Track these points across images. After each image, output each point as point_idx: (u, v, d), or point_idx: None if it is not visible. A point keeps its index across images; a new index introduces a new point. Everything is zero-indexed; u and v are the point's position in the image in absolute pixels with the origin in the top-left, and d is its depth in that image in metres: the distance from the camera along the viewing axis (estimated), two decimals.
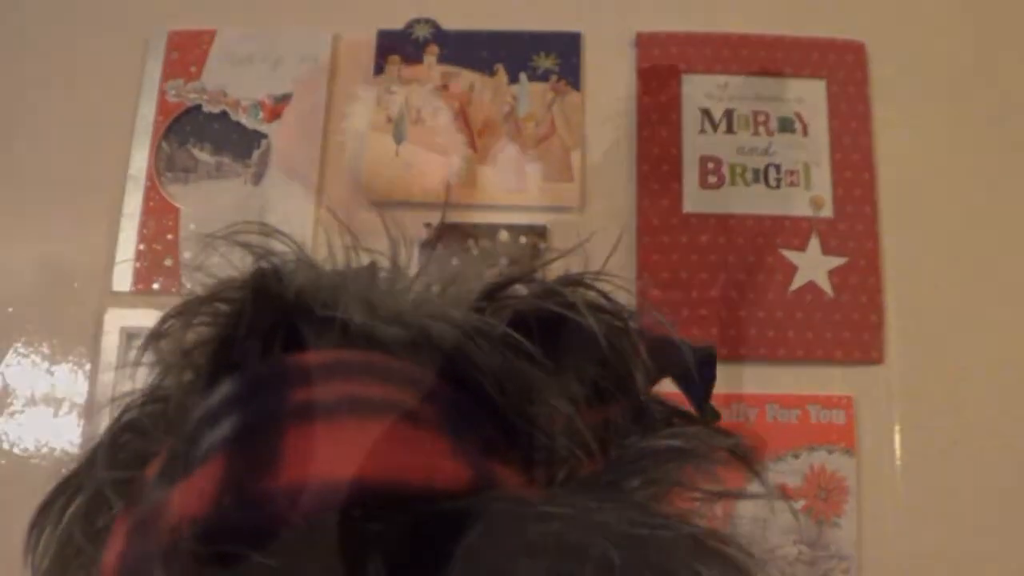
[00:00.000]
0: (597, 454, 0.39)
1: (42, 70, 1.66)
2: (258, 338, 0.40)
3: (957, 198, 1.56)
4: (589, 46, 1.63)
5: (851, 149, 1.57)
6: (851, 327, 1.51)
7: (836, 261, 1.53)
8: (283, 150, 1.59)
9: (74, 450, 1.47)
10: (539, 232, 1.53)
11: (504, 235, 1.53)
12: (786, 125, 1.59)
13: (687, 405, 0.45)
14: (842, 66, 1.60)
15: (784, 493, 1.44)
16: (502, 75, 1.61)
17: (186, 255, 1.53)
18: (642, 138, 1.58)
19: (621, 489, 0.39)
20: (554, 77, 1.61)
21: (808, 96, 1.60)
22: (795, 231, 1.54)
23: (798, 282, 1.52)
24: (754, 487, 0.44)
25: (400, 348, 0.40)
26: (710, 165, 1.57)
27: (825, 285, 1.52)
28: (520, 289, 0.42)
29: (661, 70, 1.60)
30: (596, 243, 0.49)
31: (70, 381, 1.53)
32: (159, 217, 1.57)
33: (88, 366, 1.53)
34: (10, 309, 1.56)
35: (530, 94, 1.60)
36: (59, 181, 1.60)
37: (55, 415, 1.52)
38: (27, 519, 0.42)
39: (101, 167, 1.60)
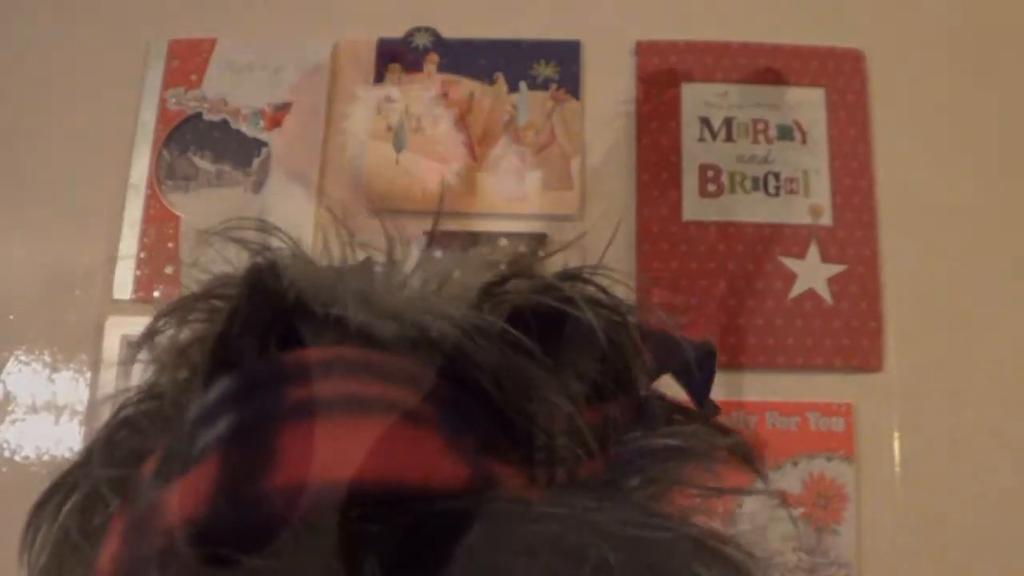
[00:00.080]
0: (596, 452, 0.39)
1: (44, 78, 1.67)
2: (254, 335, 0.39)
3: (956, 206, 1.56)
4: (589, 54, 1.63)
5: (850, 157, 1.58)
6: (850, 334, 1.51)
7: (835, 269, 1.53)
8: (283, 157, 1.59)
9: (75, 457, 1.46)
10: (539, 240, 1.54)
11: (504, 243, 1.54)
12: (785, 133, 1.59)
13: (686, 402, 0.45)
14: (841, 74, 1.61)
15: (783, 500, 1.43)
16: (502, 83, 1.61)
17: (186, 272, 1.53)
18: (642, 146, 1.58)
19: (620, 488, 0.39)
20: (554, 85, 1.61)
21: (807, 104, 1.60)
22: (794, 239, 1.54)
23: (797, 289, 1.52)
24: (755, 485, 0.44)
25: (397, 345, 0.39)
26: (709, 173, 1.57)
27: (824, 293, 1.52)
28: (518, 285, 0.41)
29: (661, 78, 1.61)
30: (596, 245, 0.49)
31: (71, 388, 1.53)
32: (160, 225, 1.57)
33: (89, 373, 1.53)
34: (11, 316, 1.57)
35: (530, 102, 1.60)
36: (60, 189, 1.61)
37: (56, 422, 1.52)
38: None
39: (102, 175, 1.60)
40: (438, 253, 0.45)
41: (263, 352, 0.39)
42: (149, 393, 0.43)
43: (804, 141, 1.59)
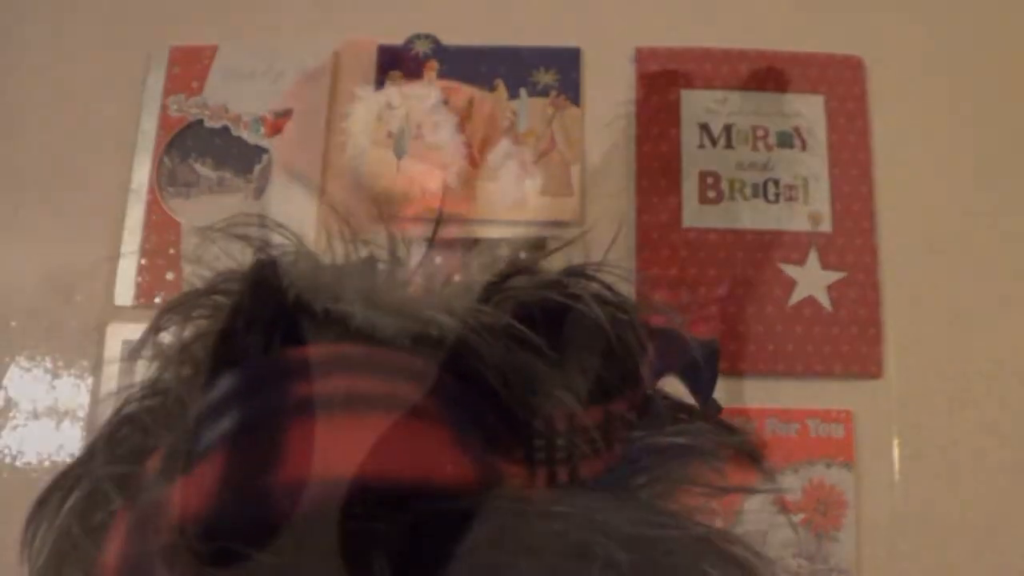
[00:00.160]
0: (602, 450, 0.39)
1: (45, 84, 1.67)
2: (258, 332, 0.39)
3: (955, 213, 1.56)
4: (589, 61, 1.63)
5: (849, 164, 1.58)
6: (850, 341, 1.51)
7: (835, 276, 1.53)
8: (284, 163, 1.60)
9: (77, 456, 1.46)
10: (539, 244, 1.54)
11: (505, 248, 1.54)
12: (785, 140, 1.59)
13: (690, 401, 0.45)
14: (841, 81, 1.61)
15: (784, 506, 1.44)
16: (502, 90, 1.61)
17: (188, 269, 1.53)
18: (641, 153, 1.58)
19: (626, 487, 0.39)
20: (554, 92, 1.61)
21: (807, 111, 1.60)
22: (794, 246, 1.55)
23: (797, 296, 1.52)
24: (761, 483, 0.43)
25: (402, 341, 0.39)
26: (709, 180, 1.57)
27: (824, 300, 1.52)
28: (523, 281, 0.41)
29: (660, 85, 1.61)
30: (596, 250, 0.48)
31: (72, 395, 1.53)
32: (161, 231, 1.57)
33: (90, 380, 1.53)
34: (12, 323, 1.57)
35: (530, 109, 1.61)
36: (62, 195, 1.61)
37: (57, 428, 1.52)
38: None
39: (103, 181, 1.60)
40: (440, 256, 0.45)
41: (267, 349, 0.39)
42: (152, 390, 0.43)
43: (804, 148, 1.59)
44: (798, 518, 1.44)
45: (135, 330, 0.42)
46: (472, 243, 1.53)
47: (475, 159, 1.58)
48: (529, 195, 1.57)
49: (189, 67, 1.65)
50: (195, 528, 0.33)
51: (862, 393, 1.50)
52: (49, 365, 1.54)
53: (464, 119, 1.59)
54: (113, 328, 1.52)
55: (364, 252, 0.45)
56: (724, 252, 1.54)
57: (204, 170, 1.60)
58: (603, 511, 0.35)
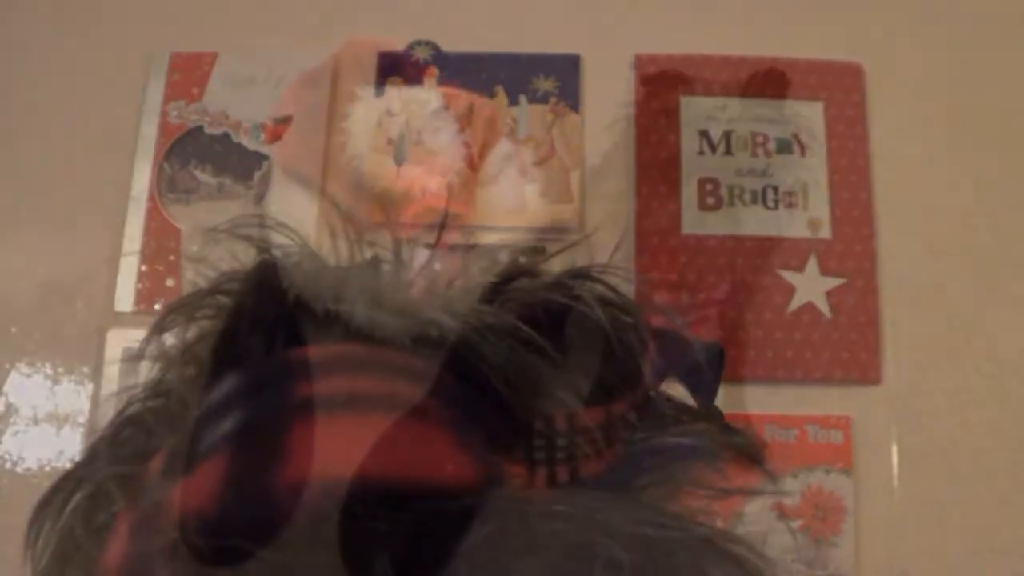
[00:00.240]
0: (603, 450, 0.39)
1: (45, 91, 1.67)
2: (261, 332, 0.39)
3: (955, 219, 1.57)
4: (588, 68, 1.64)
5: (849, 170, 1.58)
6: (849, 348, 1.51)
7: (834, 282, 1.53)
8: (285, 168, 1.60)
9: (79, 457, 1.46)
10: (538, 251, 1.54)
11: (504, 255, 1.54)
12: (784, 146, 1.59)
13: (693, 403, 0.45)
14: (840, 88, 1.61)
15: (783, 512, 1.44)
16: (502, 97, 1.62)
17: (191, 270, 1.53)
18: (641, 159, 1.58)
19: (629, 488, 0.39)
20: (553, 99, 1.61)
21: (806, 118, 1.60)
22: (793, 252, 1.55)
23: (796, 303, 1.53)
24: (763, 485, 0.43)
25: (405, 342, 0.39)
26: (709, 186, 1.57)
27: (823, 306, 1.52)
28: (527, 282, 0.41)
29: (660, 92, 1.61)
30: (597, 255, 0.48)
31: (73, 400, 1.53)
32: (161, 238, 1.57)
33: (90, 386, 1.53)
34: (13, 329, 1.57)
35: (530, 116, 1.61)
36: (61, 201, 1.61)
37: (57, 434, 1.52)
38: None
39: (103, 187, 1.60)
40: (441, 259, 0.45)
41: (270, 349, 0.39)
42: (155, 390, 0.43)
43: (803, 154, 1.59)
44: (797, 524, 1.44)
45: (135, 336, 0.42)
46: (471, 248, 1.52)
47: (475, 165, 1.58)
48: (529, 201, 1.57)
49: (189, 73, 1.65)
50: (196, 527, 0.33)
51: (861, 399, 1.50)
52: (49, 371, 1.54)
53: (464, 125, 1.59)
54: (113, 334, 1.53)
55: (368, 253, 0.45)
56: (723, 258, 1.54)
57: (204, 176, 1.60)
58: (604, 511, 0.35)
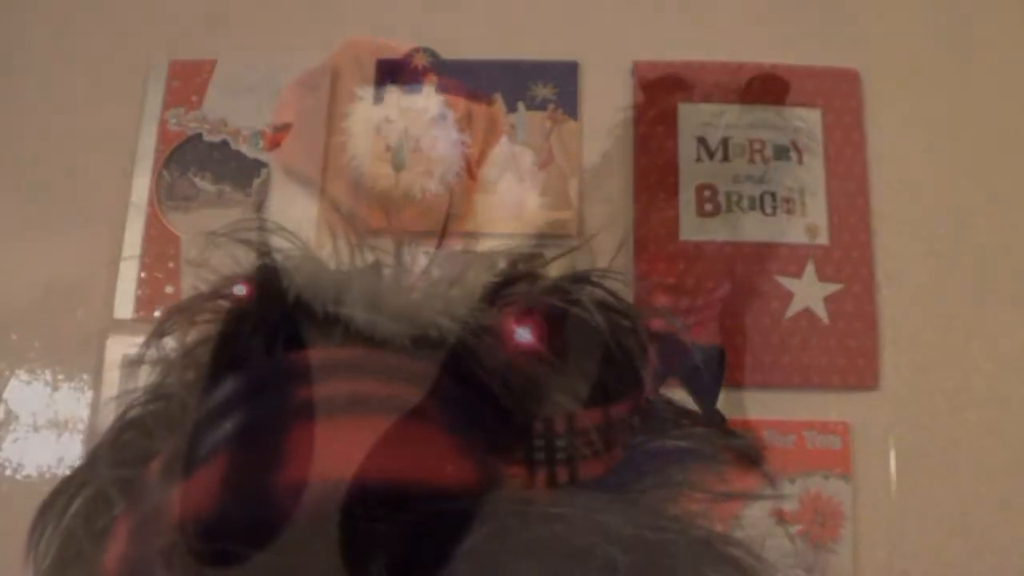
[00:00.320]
0: (602, 452, 0.39)
1: (44, 98, 1.67)
2: (261, 336, 0.40)
3: (952, 225, 1.57)
4: (587, 75, 1.64)
5: (846, 177, 1.58)
6: (846, 353, 1.51)
7: (831, 288, 1.54)
8: (284, 175, 1.60)
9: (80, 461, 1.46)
10: (536, 258, 1.54)
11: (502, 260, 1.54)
12: (782, 153, 1.60)
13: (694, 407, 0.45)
14: (837, 94, 1.62)
15: (781, 517, 1.44)
16: (500, 104, 1.62)
17: (191, 274, 1.53)
18: (639, 166, 1.59)
19: (628, 490, 0.39)
20: (552, 106, 1.62)
21: (804, 124, 1.61)
22: (791, 258, 1.55)
23: (794, 309, 1.53)
24: (763, 488, 0.43)
25: (405, 345, 0.39)
26: (706, 192, 1.58)
27: (821, 312, 1.53)
28: (526, 286, 0.42)
29: (658, 98, 1.61)
30: (595, 259, 0.48)
31: (72, 407, 1.53)
32: (160, 245, 1.57)
33: (90, 393, 1.53)
34: (13, 335, 1.57)
35: (528, 123, 1.61)
36: (61, 208, 1.61)
37: (57, 441, 1.52)
38: None
39: (102, 195, 1.60)
40: (443, 251, 0.45)
41: (270, 352, 0.39)
42: (156, 394, 0.43)
43: (800, 161, 1.59)
44: (795, 529, 1.45)
45: (135, 343, 0.42)
46: (471, 252, 1.52)
47: (473, 171, 1.58)
48: (527, 207, 1.57)
49: (188, 81, 1.65)
50: (195, 529, 0.33)
51: (859, 405, 1.50)
52: (49, 378, 1.55)
53: (462, 132, 1.60)
54: (113, 341, 1.53)
55: (368, 257, 0.45)
56: (721, 264, 1.54)
57: (203, 184, 1.60)
58: (603, 513, 0.35)
